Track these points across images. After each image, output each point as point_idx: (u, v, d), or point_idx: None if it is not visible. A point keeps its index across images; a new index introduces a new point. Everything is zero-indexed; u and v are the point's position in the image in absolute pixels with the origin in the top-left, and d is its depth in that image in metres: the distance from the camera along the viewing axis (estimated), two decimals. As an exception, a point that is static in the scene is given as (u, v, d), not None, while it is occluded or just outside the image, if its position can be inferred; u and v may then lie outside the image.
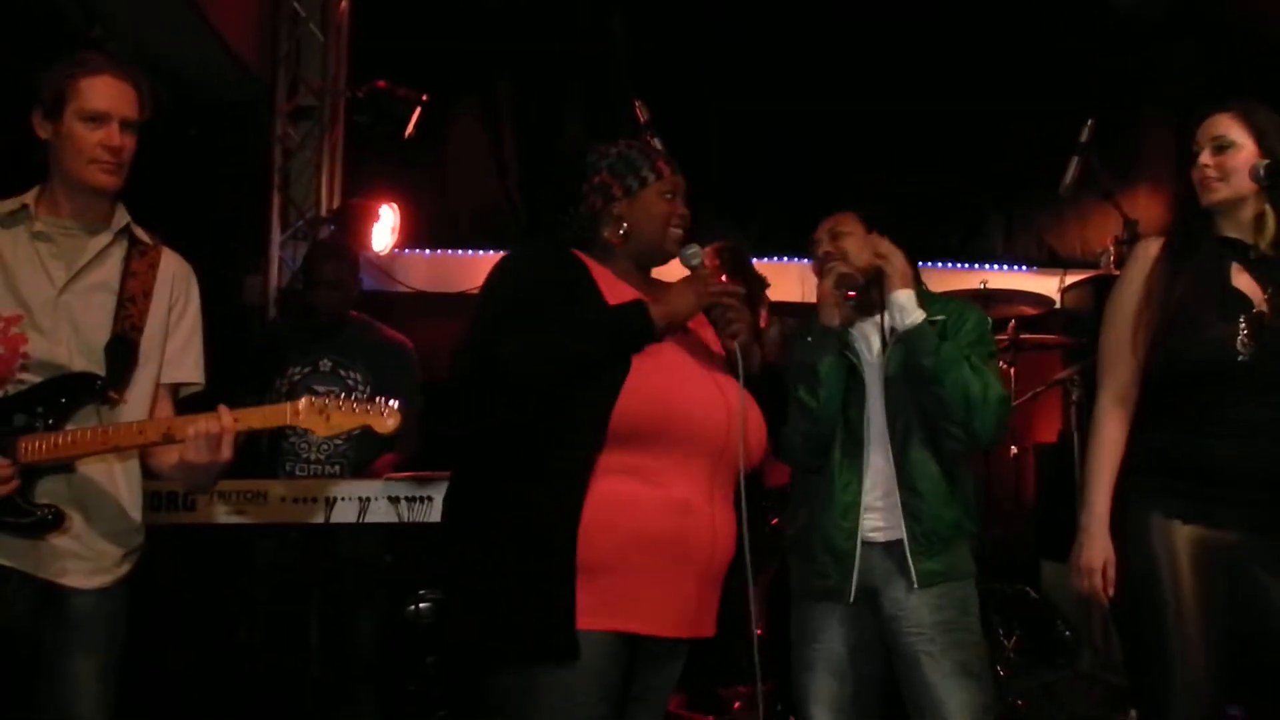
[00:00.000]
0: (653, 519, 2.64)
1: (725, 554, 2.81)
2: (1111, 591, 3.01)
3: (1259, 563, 2.89)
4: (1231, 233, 3.03)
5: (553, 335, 2.65)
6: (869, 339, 3.45)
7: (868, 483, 3.32)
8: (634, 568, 2.62)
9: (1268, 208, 2.97)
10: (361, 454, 4.80)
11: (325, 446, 4.79)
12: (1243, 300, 2.94)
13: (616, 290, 2.81)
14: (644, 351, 2.70)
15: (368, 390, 4.75)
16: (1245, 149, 2.97)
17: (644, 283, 2.94)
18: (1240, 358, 2.88)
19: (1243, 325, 2.89)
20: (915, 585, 3.24)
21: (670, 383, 2.71)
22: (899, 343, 3.31)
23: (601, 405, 2.61)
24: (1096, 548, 3.04)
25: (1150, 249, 3.12)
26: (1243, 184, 2.96)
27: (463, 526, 2.75)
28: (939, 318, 3.38)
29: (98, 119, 2.86)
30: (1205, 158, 3.00)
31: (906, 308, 3.29)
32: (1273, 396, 2.89)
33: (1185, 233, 3.08)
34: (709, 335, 2.98)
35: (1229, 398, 2.91)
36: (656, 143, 4.72)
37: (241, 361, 5.04)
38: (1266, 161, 2.91)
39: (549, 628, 2.55)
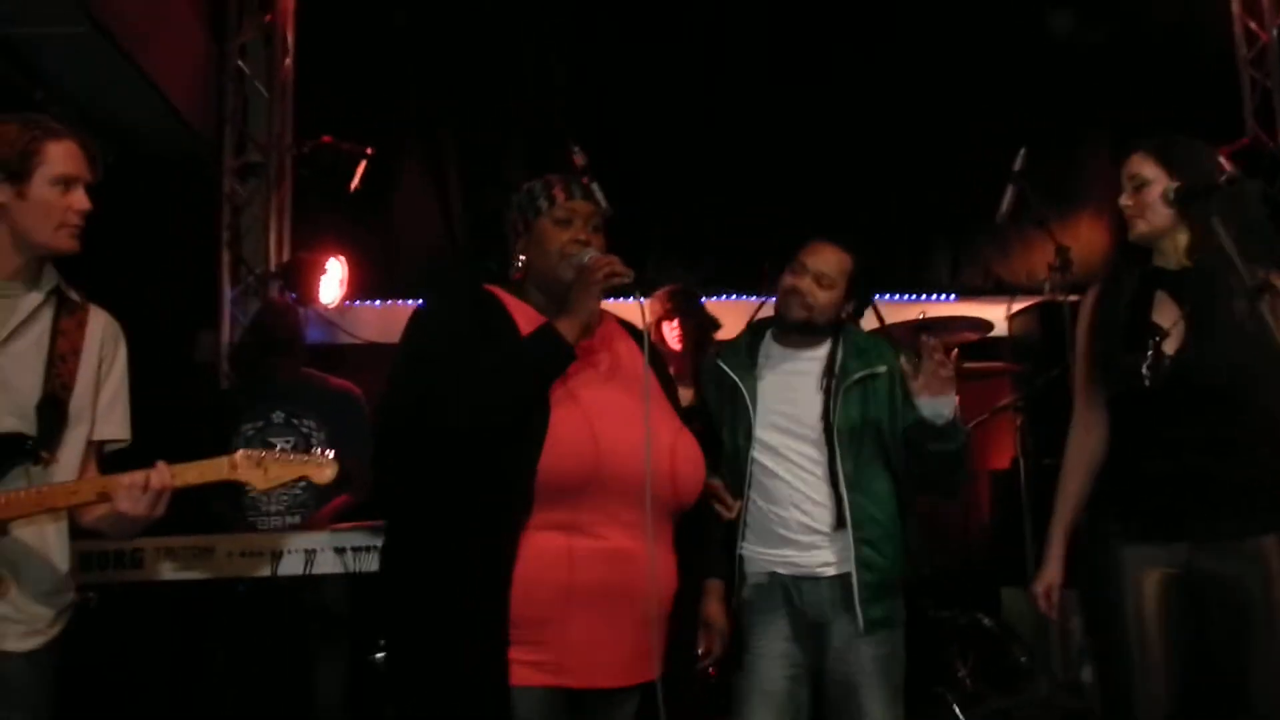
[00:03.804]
0: (587, 571, 2.62)
1: (668, 596, 2.79)
2: (1055, 616, 3.30)
3: (1216, 579, 3.00)
4: (1160, 262, 3.19)
5: (474, 384, 2.61)
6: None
7: (809, 518, 3.38)
8: (570, 622, 2.60)
9: (1183, 225, 3.11)
10: (323, 502, 4.81)
11: (285, 497, 4.80)
12: (1154, 329, 3.09)
13: (531, 322, 2.77)
14: (564, 398, 2.67)
15: (323, 436, 4.80)
16: (1158, 184, 3.12)
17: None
18: (1147, 384, 3.04)
19: (1149, 355, 3.04)
20: (861, 630, 3.34)
21: (593, 432, 2.66)
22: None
23: (525, 465, 2.58)
24: (1044, 572, 3.30)
25: (1092, 293, 3.33)
26: (1158, 217, 3.12)
27: (395, 586, 2.73)
28: (881, 369, 3.49)
29: (69, 183, 2.85)
30: (1125, 198, 3.19)
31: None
32: (1187, 415, 3.02)
33: (1115, 272, 3.28)
34: (631, 362, 2.94)
35: (1151, 421, 3.07)
36: (595, 188, 4.74)
37: (194, 425, 5.04)
38: (1175, 184, 3.06)
39: (480, 694, 2.53)
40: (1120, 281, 3.23)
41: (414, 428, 2.64)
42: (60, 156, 2.85)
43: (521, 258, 2.91)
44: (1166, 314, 3.11)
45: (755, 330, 3.69)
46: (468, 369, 2.62)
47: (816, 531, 3.38)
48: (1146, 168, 3.14)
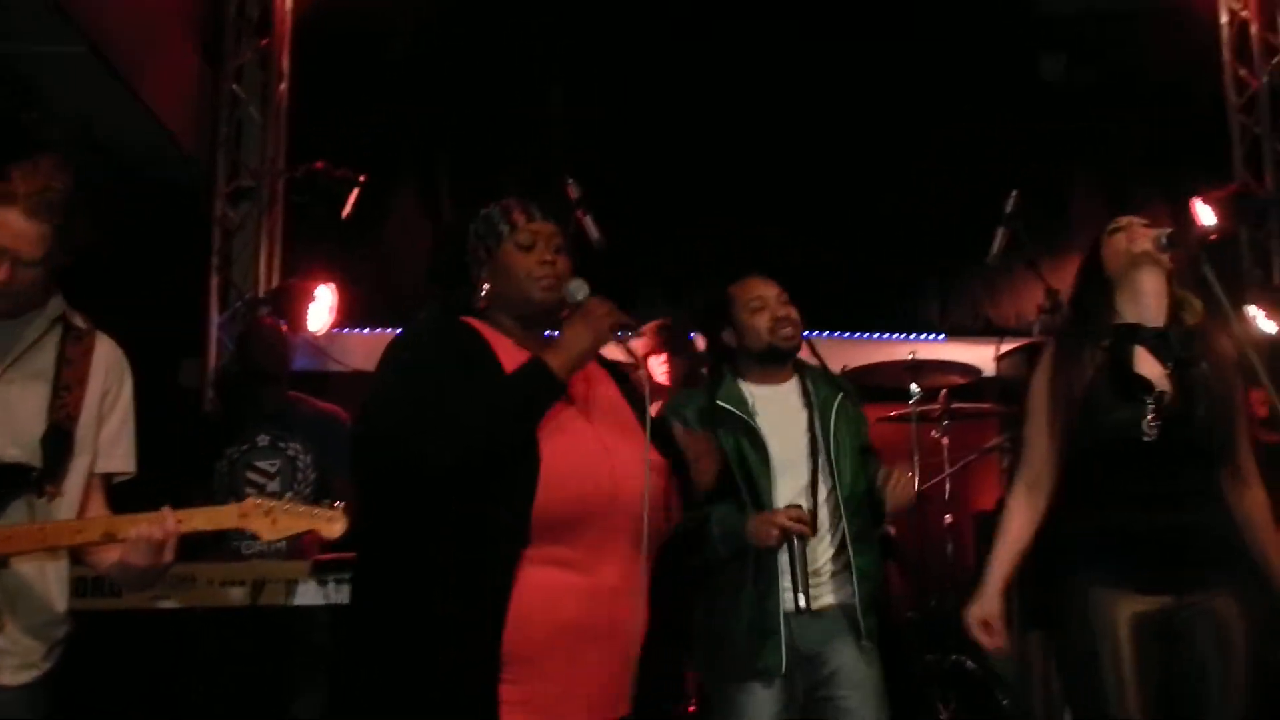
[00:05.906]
0: (583, 609, 2.60)
1: (642, 631, 2.77)
2: (1000, 642, 3.19)
3: (1192, 629, 3.04)
4: (1131, 314, 3.21)
5: (460, 418, 2.57)
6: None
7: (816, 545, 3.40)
8: (563, 659, 2.58)
9: (1173, 286, 3.20)
10: (308, 524, 4.78)
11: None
12: (1145, 384, 3.10)
13: (512, 355, 2.73)
14: (554, 431, 2.64)
15: (309, 459, 4.77)
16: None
17: (535, 342, 2.84)
18: (1145, 438, 3.05)
19: (1149, 408, 3.05)
20: (864, 641, 3.38)
21: (587, 466, 2.64)
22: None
23: (521, 501, 2.55)
24: (984, 602, 3.19)
25: (1051, 349, 3.31)
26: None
27: (376, 619, 2.67)
28: (846, 392, 3.63)
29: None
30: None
31: None
32: (1175, 469, 3.07)
33: (1082, 323, 3.28)
34: (610, 392, 2.94)
35: (1136, 473, 3.09)
36: (589, 221, 4.74)
37: (177, 449, 5.01)
38: (1168, 230, 3.11)
39: None
40: (1082, 337, 3.24)
41: (395, 461, 2.62)
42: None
43: (486, 286, 2.89)
44: (1150, 370, 3.13)
45: (715, 377, 3.65)
46: (451, 402, 2.59)
47: (818, 560, 3.41)
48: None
